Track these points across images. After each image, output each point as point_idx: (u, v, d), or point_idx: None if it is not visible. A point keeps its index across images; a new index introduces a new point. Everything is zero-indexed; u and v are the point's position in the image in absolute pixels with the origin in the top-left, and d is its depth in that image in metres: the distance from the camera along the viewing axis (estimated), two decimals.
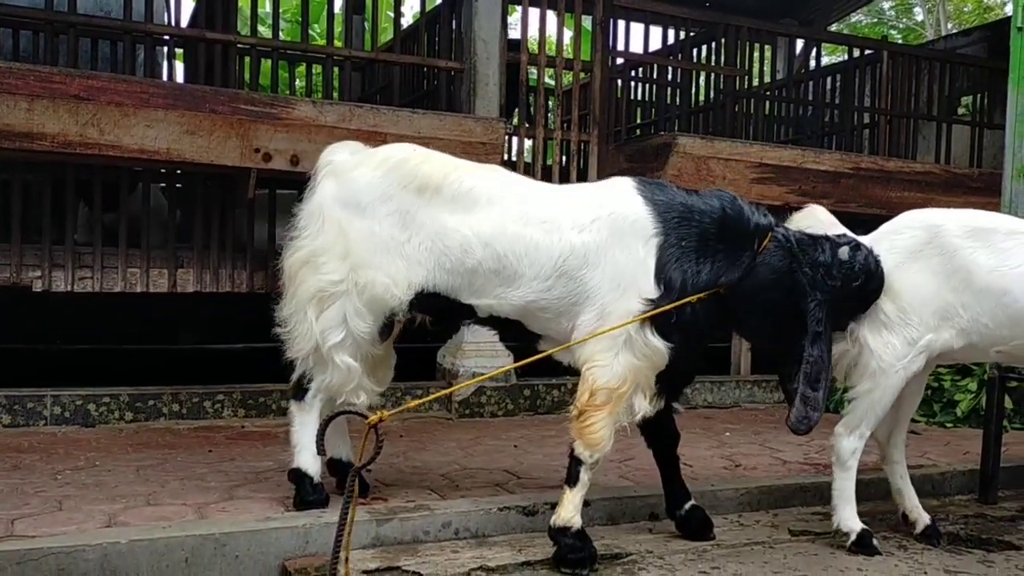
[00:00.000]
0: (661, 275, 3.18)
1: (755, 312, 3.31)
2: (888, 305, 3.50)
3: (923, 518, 3.71)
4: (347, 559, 2.47)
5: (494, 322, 3.44)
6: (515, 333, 3.48)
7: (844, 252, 3.32)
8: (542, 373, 5.29)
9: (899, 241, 3.57)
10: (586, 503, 3.52)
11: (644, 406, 3.20)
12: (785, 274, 3.25)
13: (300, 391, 3.45)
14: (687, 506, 3.55)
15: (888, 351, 3.48)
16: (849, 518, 3.53)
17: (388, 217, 3.31)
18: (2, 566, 2.72)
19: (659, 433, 3.53)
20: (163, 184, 5.89)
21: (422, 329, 3.62)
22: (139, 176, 5.42)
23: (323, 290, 3.34)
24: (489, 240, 3.24)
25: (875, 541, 3.50)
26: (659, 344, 3.14)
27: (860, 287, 3.37)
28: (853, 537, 3.50)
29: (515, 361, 5.67)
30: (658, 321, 3.13)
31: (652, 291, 3.16)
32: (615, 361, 3.14)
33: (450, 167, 3.36)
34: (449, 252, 3.27)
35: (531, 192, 3.38)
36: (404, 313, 3.36)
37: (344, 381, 3.35)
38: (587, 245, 3.21)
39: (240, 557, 3.00)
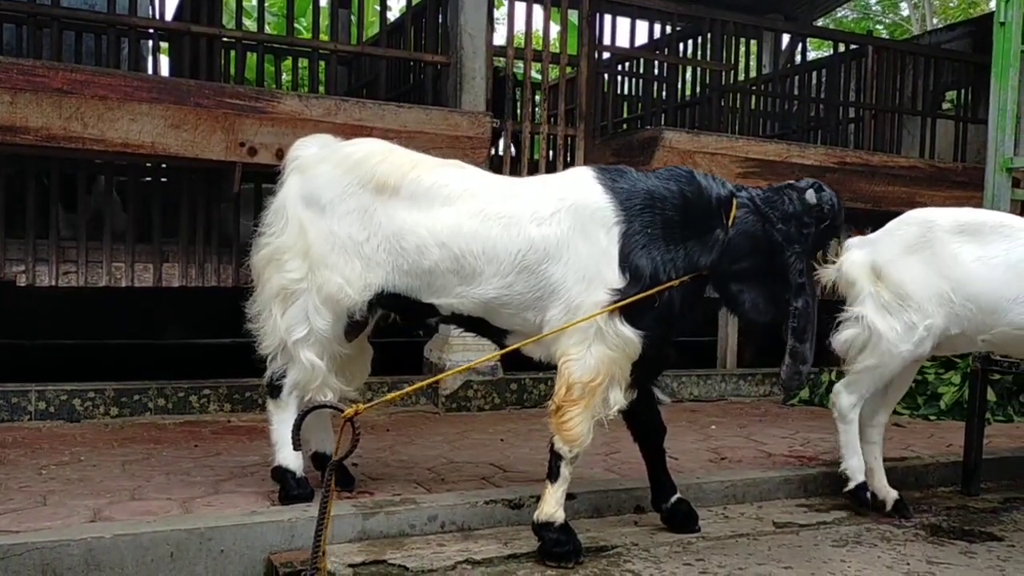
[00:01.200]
0: (626, 263, 3.12)
1: (745, 285, 3.25)
2: (887, 293, 3.81)
3: (891, 496, 3.98)
4: (324, 552, 2.48)
5: (458, 320, 3.41)
6: (481, 330, 3.45)
7: (811, 196, 3.27)
8: (529, 367, 5.30)
9: (897, 236, 3.90)
10: (571, 496, 3.55)
11: (619, 399, 3.17)
12: (761, 238, 3.21)
13: (275, 389, 3.44)
14: (673, 499, 3.55)
15: (893, 334, 3.77)
16: (855, 468, 3.89)
17: (347, 216, 3.28)
18: None
19: (645, 427, 3.52)
20: (122, 177, 5.77)
21: (395, 325, 3.61)
22: (100, 170, 5.33)
23: (286, 288, 3.34)
24: (445, 240, 3.19)
25: (868, 495, 3.87)
26: (630, 334, 3.10)
27: (828, 227, 3.32)
28: (851, 486, 3.87)
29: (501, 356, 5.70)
30: (628, 310, 3.09)
31: (617, 281, 3.10)
32: (588, 354, 3.11)
33: (408, 165, 3.30)
34: (406, 254, 3.24)
35: (490, 187, 3.31)
36: (363, 313, 3.33)
37: (309, 379, 3.34)
38: (547, 239, 3.16)
39: (225, 551, 2.99)
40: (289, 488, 3.36)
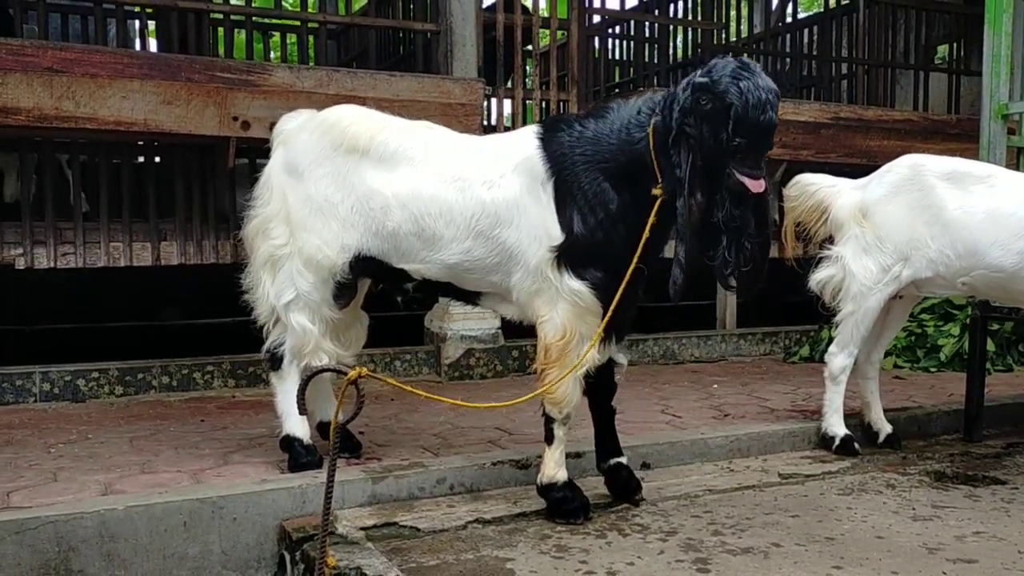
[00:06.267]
0: (561, 216, 3.04)
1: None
2: (869, 234, 3.94)
3: (885, 428, 4.23)
4: (331, 514, 2.50)
5: (430, 285, 3.39)
6: (453, 294, 3.44)
7: (701, 71, 2.89)
8: (530, 334, 5.32)
9: (887, 178, 4.03)
10: (578, 455, 3.58)
11: (592, 355, 3.08)
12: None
13: (275, 360, 3.47)
14: (612, 462, 3.41)
15: (866, 275, 3.94)
16: (836, 424, 4.10)
17: (323, 179, 3.30)
18: (0, 536, 2.73)
19: (596, 383, 3.29)
20: (67, 155, 5.60)
21: (384, 294, 3.63)
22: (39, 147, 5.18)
23: (272, 255, 3.38)
24: (406, 202, 3.19)
25: (856, 445, 4.05)
26: (579, 286, 3.02)
27: (713, 109, 2.79)
28: (837, 441, 4.07)
29: (502, 323, 5.71)
30: (572, 262, 3.03)
31: (558, 236, 3.04)
32: (555, 314, 3.07)
33: (378, 127, 3.30)
34: (374, 215, 3.24)
35: (450, 149, 3.28)
36: (344, 275, 3.33)
37: (301, 343, 3.36)
38: (497, 202, 3.11)
39: (238, 519, 3.02)
40: (298, 456, 3.39)
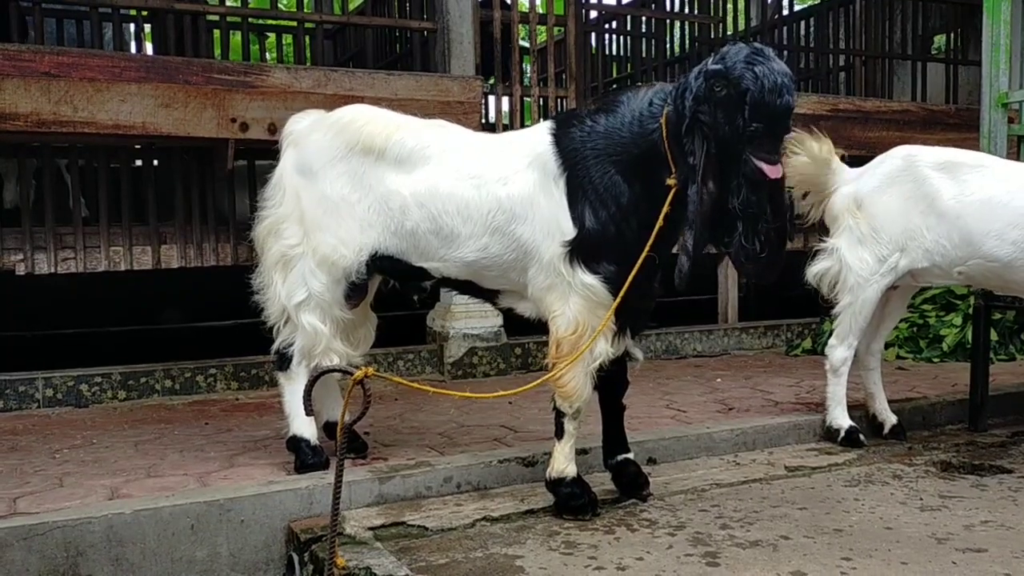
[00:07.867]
0: (574, 211, 3.04)
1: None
2: (864, 225, 3.95)
3: (890, 419, 4.22)
4: (336, 512, 2.50)
5: (450, 283, 3.41)
6: (472, 292, 3.44)
7: (709, 62, 2.87)
8: (533, 331, 5.31)
9: (881, 168, 4.03)
10: (585, 451, 3.58)
11: (604, 349, 3.08)
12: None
13: (284, 360, 3.47)
14: (620, 457, 3.42)
15: (862, 266, 3.94)
16: (839, 417, 4.09)
17: (339, 179, 3.30)
18: (8, 542, 2.72)
19: (608, 377, 3.29)
20: (66, 160, 5.55)
21: (395, 293, 3.63)
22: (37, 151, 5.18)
23: (285, 255, 3.39)
24: (424, 201, 3.20)
25: (861, 436, 4.05)
26: (591, 280, 3.02)
27: (727, 95, 2.77)
28: (842, 433, 4.06)
29: (504, 320, 5.70)
30: (584, 256, 3.02)
31: (570, 231, 3.03)
32: (567, 308, 3.07)
33: (393, 127, 3.30)
34: (392, 215, 3.26)
35: (465, 146, 3.28)
36: (360, 275, 3.34)
37: (312, 343, 3.36)
38: (512, 198, 3.12)
39: (245, 521, 3.01)
40: (304, 457, 3.38)
